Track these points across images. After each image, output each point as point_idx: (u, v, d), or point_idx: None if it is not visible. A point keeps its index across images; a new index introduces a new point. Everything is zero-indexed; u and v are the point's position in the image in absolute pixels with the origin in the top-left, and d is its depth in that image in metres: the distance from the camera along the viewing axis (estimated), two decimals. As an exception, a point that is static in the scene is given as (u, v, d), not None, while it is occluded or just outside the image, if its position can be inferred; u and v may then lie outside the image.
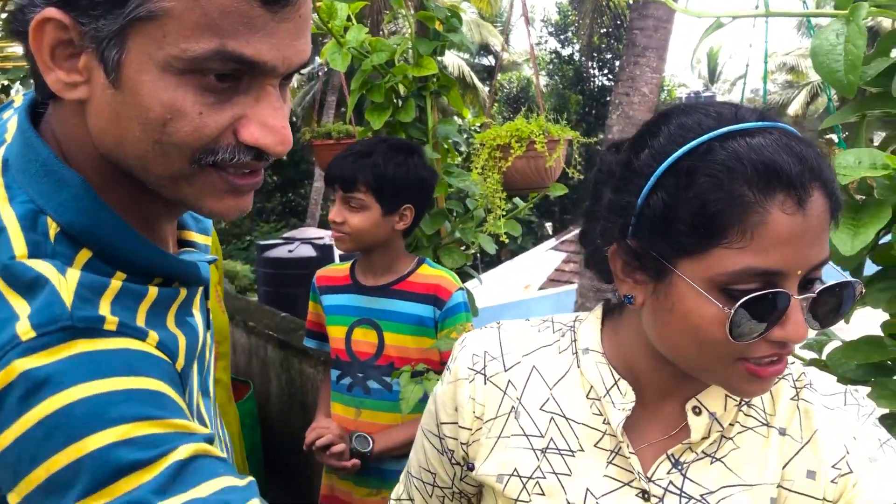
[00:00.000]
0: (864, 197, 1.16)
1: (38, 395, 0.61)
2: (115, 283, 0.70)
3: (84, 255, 0.70)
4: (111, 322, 0.67)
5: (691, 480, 0.81)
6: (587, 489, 0.82)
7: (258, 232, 15.00)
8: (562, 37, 23.87)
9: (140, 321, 0.70)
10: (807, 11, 1.21)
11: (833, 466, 0.79)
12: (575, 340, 0.90)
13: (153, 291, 0.74)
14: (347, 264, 2.00)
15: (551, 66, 23.46)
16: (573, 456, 0.85)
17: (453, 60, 19.68)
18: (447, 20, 2.26)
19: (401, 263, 1.92)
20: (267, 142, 0.68)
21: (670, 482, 0.81)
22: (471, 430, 0.91)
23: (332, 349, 1.96)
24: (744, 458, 0.81)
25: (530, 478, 0.85)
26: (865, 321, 1.57)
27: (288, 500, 2.78)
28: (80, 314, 0.65)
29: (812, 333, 1.42)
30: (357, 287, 1.94)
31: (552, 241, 13.90)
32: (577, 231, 0.92)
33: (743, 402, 0.83)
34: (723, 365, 0.74)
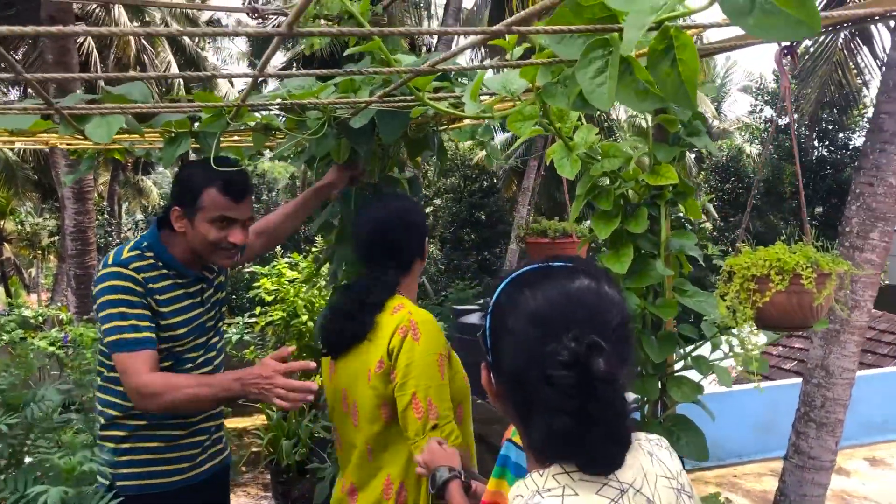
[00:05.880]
0: None
1: None
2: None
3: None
4: None
5: None
6: None
7: (454, 288, 15.17)
8: (777, 105, 22.50)
9: None
10: None
11: None
12: None
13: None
14: None
15: (765, 136, 22.16)
16: None
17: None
18: (689, 123, 2.04)
19: None
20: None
21: None
22: None
23: None
24: None
25: None
26: None
27: None
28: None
29: None
30: None
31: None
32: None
33: None
34: None
